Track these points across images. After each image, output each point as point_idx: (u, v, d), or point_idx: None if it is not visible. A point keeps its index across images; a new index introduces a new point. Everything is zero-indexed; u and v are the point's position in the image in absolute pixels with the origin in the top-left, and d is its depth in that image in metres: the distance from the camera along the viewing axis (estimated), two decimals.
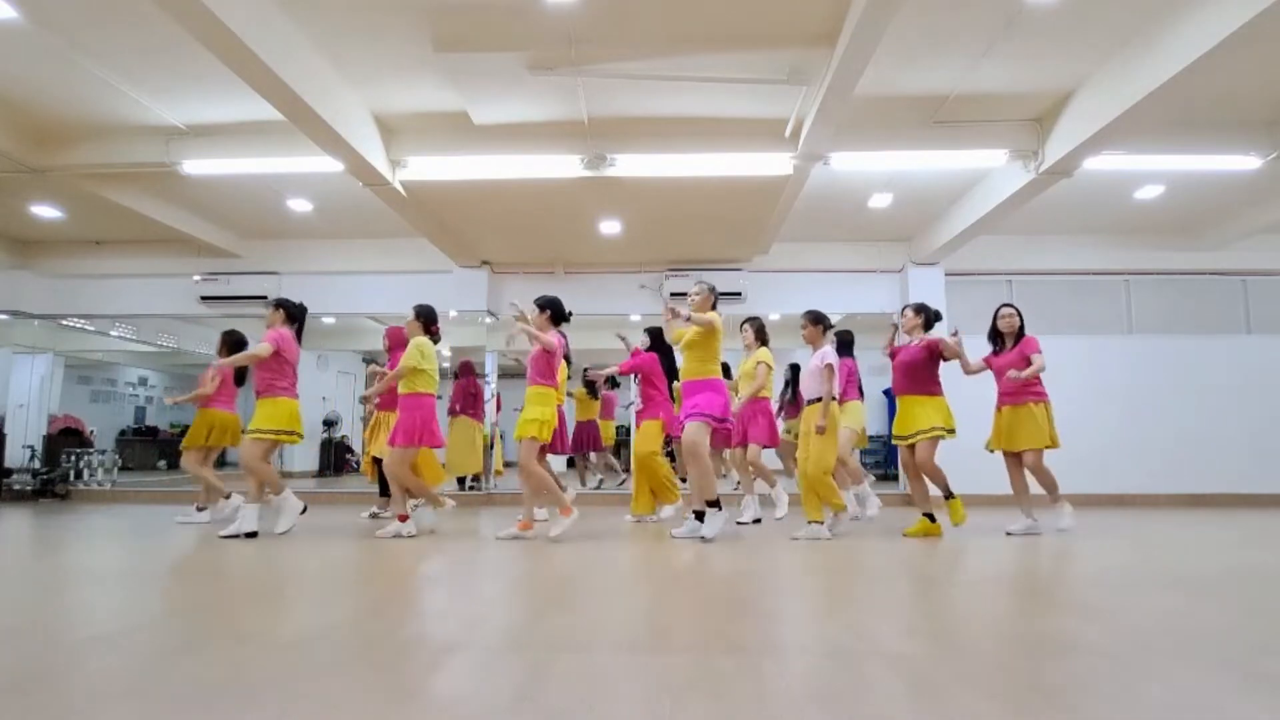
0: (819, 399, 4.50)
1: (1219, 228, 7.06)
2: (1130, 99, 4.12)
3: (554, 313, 4.52)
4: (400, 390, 4.63)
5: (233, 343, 5.37)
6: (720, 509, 4.36)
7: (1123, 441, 7.18)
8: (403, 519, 4.54)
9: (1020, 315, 4.93)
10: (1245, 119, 5.18)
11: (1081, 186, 5.92)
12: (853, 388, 5.83)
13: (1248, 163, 5.33)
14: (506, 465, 8.41)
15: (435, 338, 4.79)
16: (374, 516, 5.56)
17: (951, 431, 4.72)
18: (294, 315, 4.79)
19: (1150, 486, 7.10)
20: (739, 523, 5.20)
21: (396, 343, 5.49)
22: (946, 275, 7.43)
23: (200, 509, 5.33)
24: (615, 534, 4.72)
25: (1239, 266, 7.44)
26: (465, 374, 7.34)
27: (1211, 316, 7.49)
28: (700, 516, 4.42)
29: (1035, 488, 4.86)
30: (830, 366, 4.49)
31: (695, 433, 4.34)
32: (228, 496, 5.32)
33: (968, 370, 4.91)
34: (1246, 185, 6.07)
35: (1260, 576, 3.30)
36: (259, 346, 4.50)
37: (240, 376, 5.56)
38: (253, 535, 4.37)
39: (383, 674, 1.78)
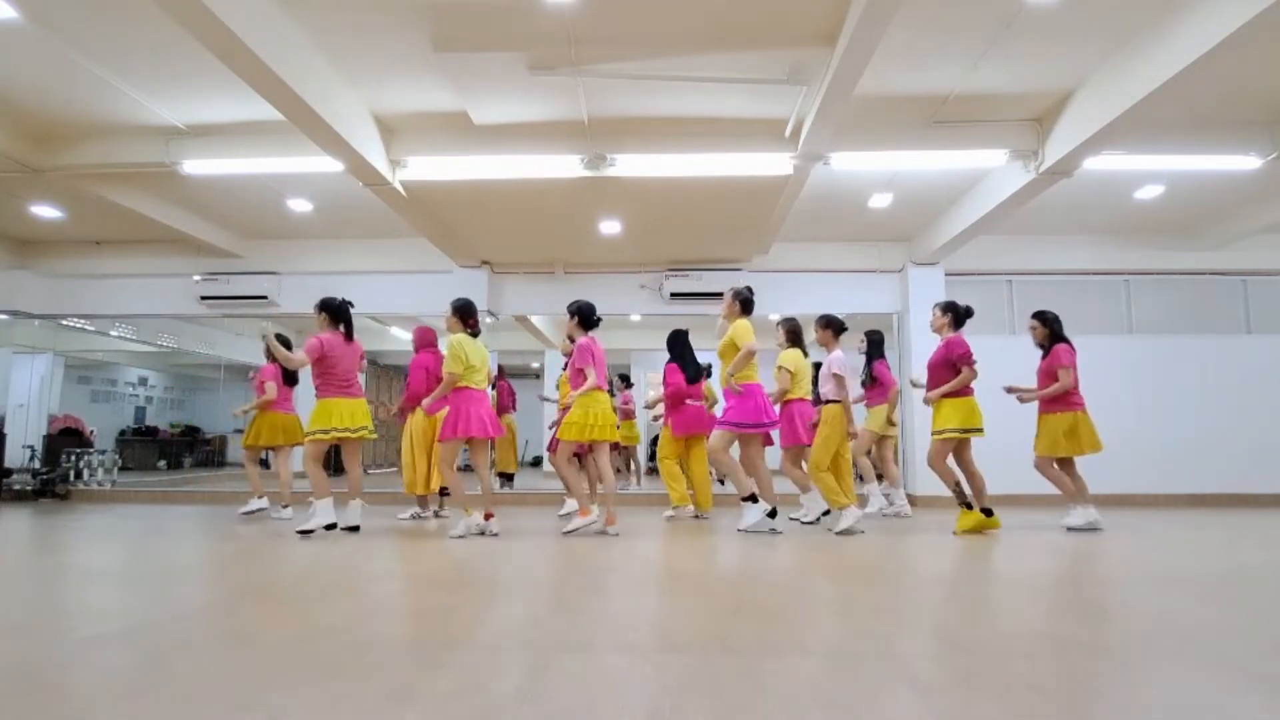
0: (834, 400, 4.93)
1: (1219, 228, 7.05)
2: (1130, 99, 4.12)
3: (583, 318, 4.85)
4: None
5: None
6: (756, 502, 4.77)
7: (1123, 441, 7.14)
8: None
9: (1048, 323, 5.14)
10: (1245, 119, 5.17)
11: (1081, 186, 5.92)
12: (882, 390, 6.07)
13: (1248, 163, 5.33)
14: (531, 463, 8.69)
15: (474, 331, 4.73)
16: (415, 518, 5.60)
17: (974, 431, 4.83)
18: (337, 316, 4.79)
19: (1150, 486, 7.09)
20: (780, 518, 5.39)
21: (423, 343, 5.53)
22: (946, 275, 7.43)
23: (284, 506, 5.65)
24: (623, 533, 4.71)
25: (1239, 266, 7.43)
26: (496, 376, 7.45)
27: (1211, 316, 7.49)
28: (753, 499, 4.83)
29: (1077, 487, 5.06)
30: (837, 375, 4.88)
31: (715, 440, 4.85)
32: (260, 496, 5.69)
33: (1033, 396, 5.12)
34: (1246, 185, 6.08)
35: (1261, 577, 3.30)
36: (296, 355, 4.59)
37: (292, 377, 5.83)
38: (331, 527, 4.53)
39: (383, 674, 1.78)
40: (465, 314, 4.72)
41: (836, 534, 4.65)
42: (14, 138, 5.23)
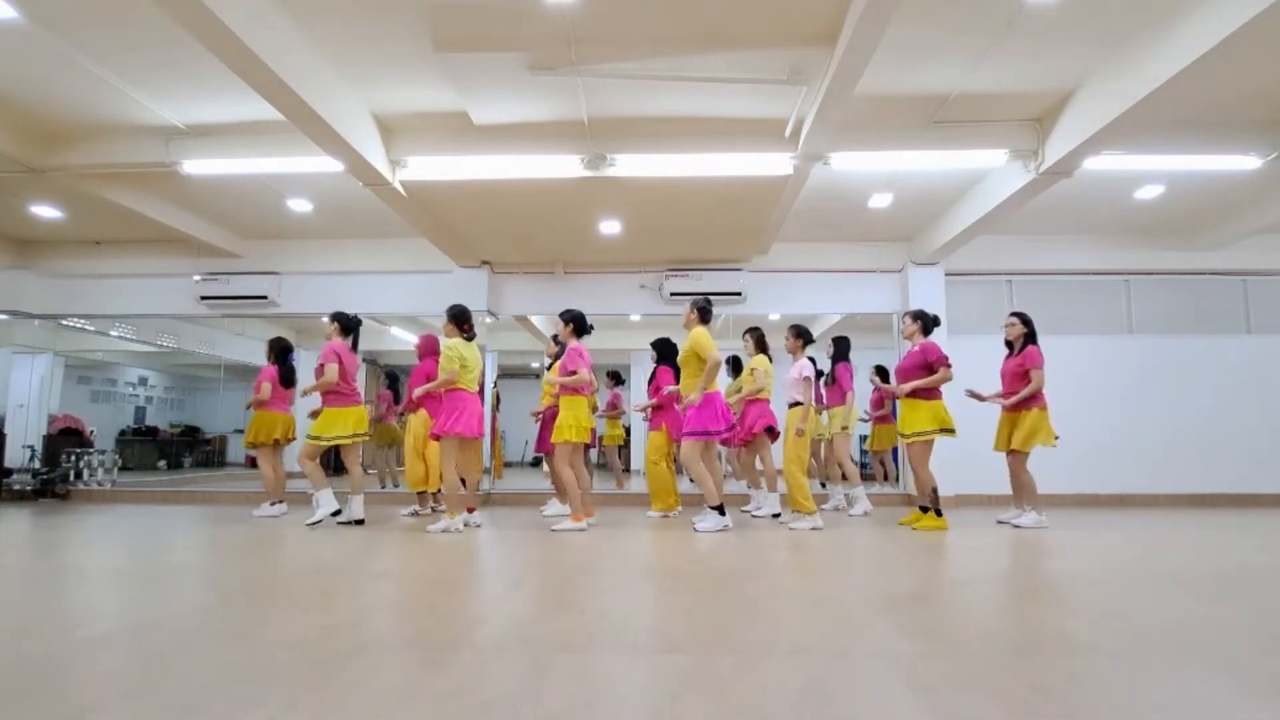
0: (798, 403, 5.19)
1: (1219, 228, 7.05)
2: (1130, 99, 4.12)
3: (577, 326, 5.11)
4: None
5: (280, 349, 6.09)
6: (722, 514, 4.93)
7: (1123, 441, 7.18)
8: (470, 510, 5.01)
9: (1026, 324, 5.26)
10: (1245, 119, 5.17)
11: (1081, 186, 5.92)
12: (839, 392, 6.33)
13: (1248, 163, 5.33)
14: (505, 466, 8.62)
15: (469, 336, 5.04)
16: (416, 515, 5.77)
17: (947, 432, 5.03)
18: (348, 327, 5.27)
19: (1150, 486, 7.09)
20: (751, 514, 5.75)
21: (427, 350, 5.63)
22: (946, 275, 7.42)
23: (274, 503, 5.92)
24: (613, 533, 4.72)
25: (1239, 266, 7.43)
26: None
27: (1211, 316, 7.49)
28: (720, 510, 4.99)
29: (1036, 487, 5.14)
30: (808, 379, 5.16)
31: (688, 450, 5.02)
32: (279, 502, 5.94)
33: (1010, 400, 5.24)
34: (1246, 185, 6.08)
35: (1261, 577, 3.30)
36: (328, 370, 5.02)
37: (289, 379, 6.15)
38: (336, 513, 5.02)
39: (382, 673, 1.78)
40: (460, 320, 5.02)
41: (790, 528, 4.97)
42: (14, 138, 5.23)
